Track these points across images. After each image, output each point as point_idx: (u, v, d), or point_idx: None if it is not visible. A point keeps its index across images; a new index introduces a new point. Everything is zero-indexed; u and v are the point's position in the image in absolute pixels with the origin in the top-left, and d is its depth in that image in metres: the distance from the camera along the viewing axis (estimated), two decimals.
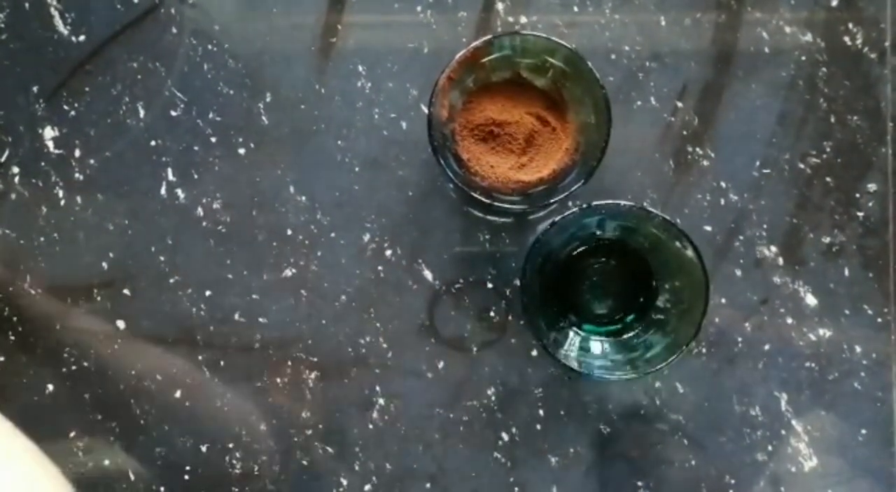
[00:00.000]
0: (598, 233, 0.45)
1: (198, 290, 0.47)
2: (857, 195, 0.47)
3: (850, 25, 0.48)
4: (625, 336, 0.45)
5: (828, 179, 0.48)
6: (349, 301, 0.47)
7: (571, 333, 0.45)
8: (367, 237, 0.47)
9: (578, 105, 0.43)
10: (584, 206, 0.40)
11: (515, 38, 0.41)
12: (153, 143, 0.48)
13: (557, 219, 0.40)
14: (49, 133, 0.48)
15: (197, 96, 0.48)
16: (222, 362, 0.47)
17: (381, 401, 0.47)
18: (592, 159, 0.40)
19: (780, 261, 0.47)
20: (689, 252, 0.40)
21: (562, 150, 0.44)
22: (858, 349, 0.47)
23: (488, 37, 0.41)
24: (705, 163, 0.47)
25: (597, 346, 0.45)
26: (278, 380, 0.47)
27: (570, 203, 0.47)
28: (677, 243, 0.41)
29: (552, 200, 0.41)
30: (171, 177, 0.48)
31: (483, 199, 0.40)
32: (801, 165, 0.48)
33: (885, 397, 0.47)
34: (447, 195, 0.47)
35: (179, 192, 0.48)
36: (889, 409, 0.47)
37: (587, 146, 0.42)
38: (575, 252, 0.46)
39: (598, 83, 0.40)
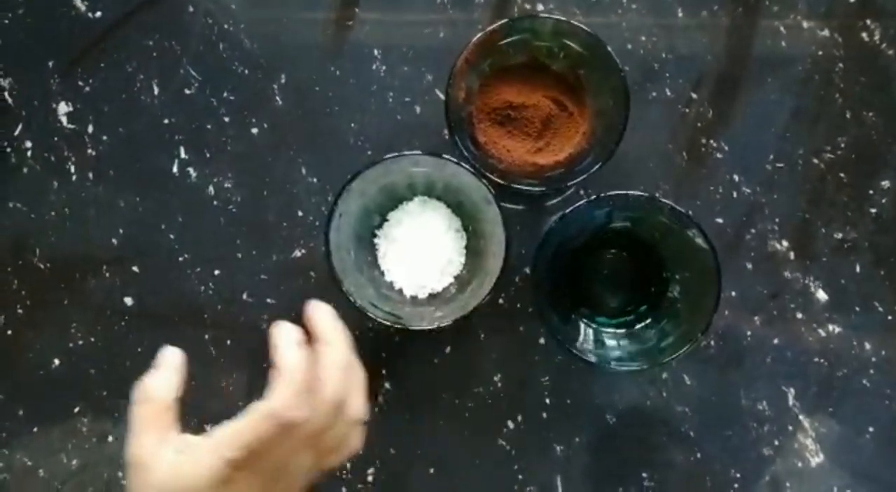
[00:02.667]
0: (608, 224, 0.45)
1: (207, 268, 0.47)
2: (871, 192, 0.47)
3: (868, 22, 0.48)
4: (637, 327, 0.45)
5: (841, 174, 0.47)
6: None
7: (584, 326, 0.45)
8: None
9: (596, 89, 0.43)
10: (593, 197, 0.40)
11: (533, 20, 0.41)
12: (166, 121, 0.48)
13: (567, 211, 0.40)
14: (63, 108, 0.48)
15: (211, 75, 0.48)
16: (229, 341, 0.47)
17: (388, 385, 0.47)
18: (609, 143, 0.40)
19: (792, 256, 0.47)
20: (700, 240, 0.40)
21: (578, 133, 0.44)
22: (868, 346, 0.47)
23: (506, 20, 0.41)
24: (719, 155, 0.47)
25: (610, 338, 0.45)
26: None
27: (581, 191, 0.47)
28: (688, 232, 0.41)
29: (568, 184, 0.41)
30: (183, 155, 0.48)
31: (499, 181, 0.40)
32: (815, 161, 0.47)
33: (894, 395, 0.46)
34: None
35: (191, 170, 0.48)
36: None
37: (604, 130, 0.42)
38: (585, 245, 0.46)
39: (616, 67, 0.40)
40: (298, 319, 0.37)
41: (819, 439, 0.46)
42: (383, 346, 0.47)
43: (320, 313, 0.37)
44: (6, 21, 0.48)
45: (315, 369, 0.34)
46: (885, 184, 0.47)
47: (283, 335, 0.34)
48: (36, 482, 0.46)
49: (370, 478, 0.46)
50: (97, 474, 0.46)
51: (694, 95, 0.47)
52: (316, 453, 0.34)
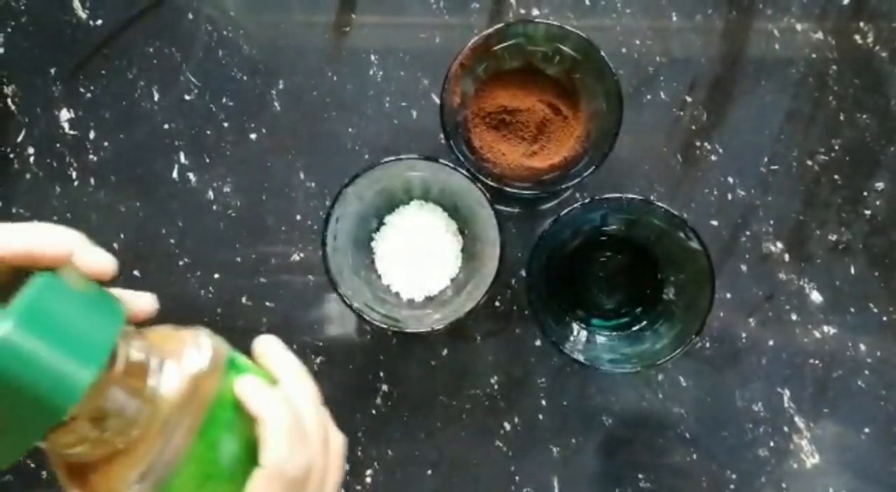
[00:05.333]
0: (603, 227, 0.45)
1: (206, 272, 0.48)
2: (865, 193, 0.47)
3: (861, 24, 0.48)
4: (632, 329, 0.45)
5: (835, 176, 0.48)
6: None
7: (579, 328, 0.45)
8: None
9: (590, 93, 0.43)
10: (588, 200, 0.40)
11: (528, 26, 0.42)
12: (167, 126, 0.48)
13: (561, 214, 0.40)
14: (65, 115, 0.49)
15: (211, 81, 0.48)
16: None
17: (385, 387, 0.47)
18: (603, 146, 0.40)
19: (787, 257, 0.47)
20: (694, 243, 0.40)
21: (573, 137, 0.44)
22: (863, 347, 0.47)
23: (501, 24, 0.41)
24: (713, 158, 0.48)
25: (605, 339, 0.45)
26: None
27: (577, 194, 0.47)
28: (681, 234, 0.41)
29: (563, 187, 0.42)
30: (183, 160, 0.48)
31: (494, 185, 0.40)
32: (809, 162, 0.48)
33: (889, 396, 0.47)
34: None
35: (191, 175, 0.48)
36: (892, 407, 0.46)
37: (598, 134, 0.42)
38: (580, 248, 0.46)
39: (609, 71, 0.40)
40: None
41: (815, 440, 0.46)
42: (380, 348, 0.47)
43: (273, 348, 0.32)
44: (9, 29, 0.49)
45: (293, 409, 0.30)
46: (880, 185, 0.48)
47: (249, 384, 0.29)
48: (40, 485, 0.47)
49: (368, 480, 0.47)
50: None
51: (688, 98, 0.48)
52: None
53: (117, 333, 0.24)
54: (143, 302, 0.29)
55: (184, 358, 0.25)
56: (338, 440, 0.32)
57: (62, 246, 0.25)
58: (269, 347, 0.32)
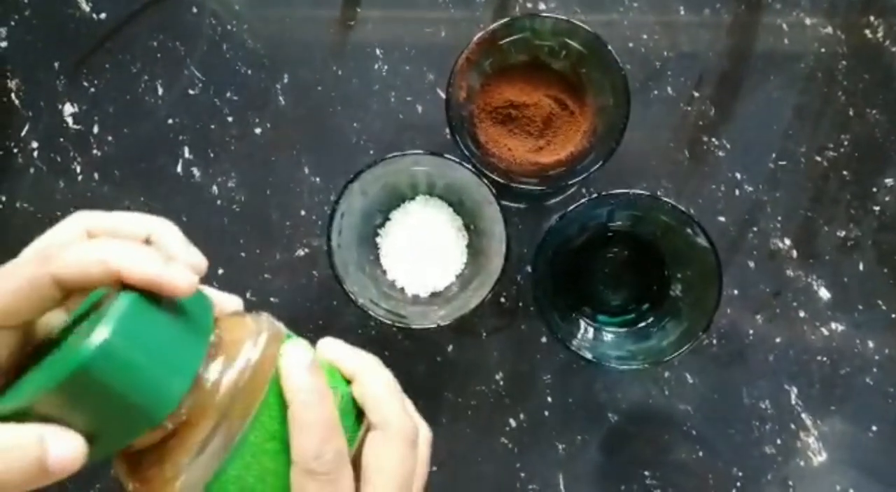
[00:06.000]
0: (609, 223, 0.45)
1: (210, 268, 0.47)
2: (874, 189, 0.47)
3: (871, 18, 0.47)
4: (639, 326, 0.45)
5: (844, 172, 0.47)
6: None
7: (585, 325, 0.45)
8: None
9: (597, 88, 0.43)
10: (595, 196, 0.40)
11: (535, 20, 0.41)
12: (171, 121, 0.48)
13: (567, 210, 0.40)
14: (69, 109, 0.48)
15: (215, 76, 0.48)
16: None
17: None
18: (610, 142, 0.40)
19: (794, 254, 0.47)
20: (701, 239, 0.40)
21: (580, 132, 0.44)
22: (871, 345, 0.46)
23: (507, 19, 0.41)
24: (721, 153, 0.47)
25: (611, 336, 0.45)
26: None
27: (584, 190, 0.47)
28: (688, 231, 0.41)
29: (569, 183, 0.41)
30: (187, 155, 0.48)
31: (500, 180, 0.40)
32: (818, 158, 0.47)
33: None
34: None
35: (195, 170, 0.48)
36: None
37: (605, 129, 0.42)
38: (587, 244, 0.46)
39: (616, 65, 0.40)
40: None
41: (822, 438, 0.46)
42: (385, 345, 0.47)
43: (341, 346, 0.29)
44: (12, 23, 0.49)
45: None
46: (889, 181, 0.47)
47: (334, 345, 0.28)
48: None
49: None
50: (104, 475, 0.46)
51: (696, 93, 0.47)
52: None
53: (209, 341, 0.24)
54: (230, 304, 0.29)
55: (242, 349, 0.25)
56: (426, 431, 0.30)
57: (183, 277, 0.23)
58: (335, 346, 0.29)
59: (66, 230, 0.26)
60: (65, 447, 0.20)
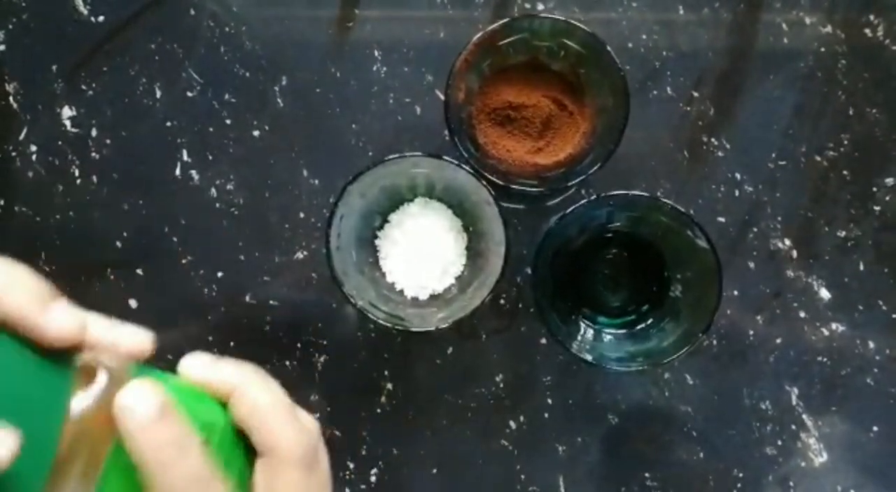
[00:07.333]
0: (609, 224, 0.45)
1: (210, 270, 0.47)
2: (874, 189, 0.47)
3: (871, 17, 0.47)
4: (639, 327, 0.45)
5: (844, 172, 0.47)
6: None
7: (585, 326, 0.45)
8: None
9: (596, 89, 0.42)
10: (594, 197, 0.40)
11: (533, 20, 0.41)
12: (169, 123, 0.48)
13: (566, 211, 0.40)
14: (67, 112, 0.48)
15: (213, 78, 0.48)
16: (232, 343, 0.47)
17: (390, 386, 0.47)
18: (609, 143, 0.40)
19: (794, 254, 0.47)
20: (700, 240, 0.40)
21: (579, 133, 0.44)
22: (872, 345, 0.46)
23: (506, 19, 0.41)
24: (720, 154, 0.47)
25: (611, 337, 0.45)
26: (287, 362, 0.47)
27: (583, 191, 0.47)
28: (688, 232, 0.41)
29: (569, 184, 0.41)
30: (185, 158, 0.48)
31: (499, 182, 0.40)
32: (818, 158, 0.47)
33: None
34: None
35: (194, 173, 0.48)
36: None
37: (604, 130, 0.42)
38: (586, 245, 0.46)
39: (616, 66, 0.40)
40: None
41: (823, 438, 0.46)
42: (385, 347, 0.47)
43: (205, 362, 0.26)
44: (10, 26, 0.49)
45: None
46: (889, 181, 0.47)
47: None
48: None
49: (373, 478, 0.46)
50: None
51: (695, 93, 0.47)
52: None
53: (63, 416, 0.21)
54: (134, 342, 0.24)
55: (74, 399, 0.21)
56: (314, 424, 0.27)
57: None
58: (199, 365, 0.25)
59: None
60: None
